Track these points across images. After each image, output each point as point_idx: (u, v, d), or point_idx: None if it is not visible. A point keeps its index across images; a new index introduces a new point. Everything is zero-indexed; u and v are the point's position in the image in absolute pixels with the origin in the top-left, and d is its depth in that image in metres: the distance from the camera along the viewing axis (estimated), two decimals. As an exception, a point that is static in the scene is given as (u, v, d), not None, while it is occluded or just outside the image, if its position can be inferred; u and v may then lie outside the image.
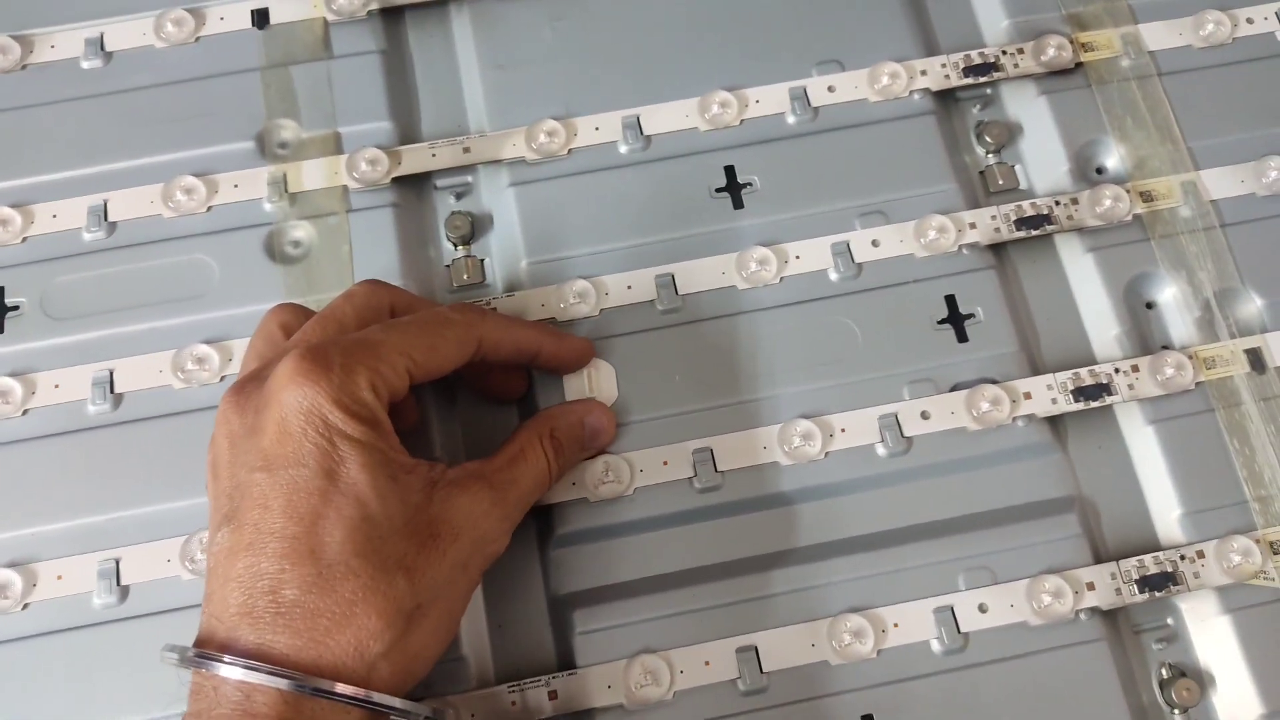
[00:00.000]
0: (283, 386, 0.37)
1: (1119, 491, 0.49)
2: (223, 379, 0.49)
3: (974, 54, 0.54)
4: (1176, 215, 0.52)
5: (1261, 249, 0.51)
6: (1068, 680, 0.45)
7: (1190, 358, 0.49)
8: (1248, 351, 0.50)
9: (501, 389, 0.49)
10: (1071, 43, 0.54)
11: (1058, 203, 0.51)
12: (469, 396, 0.50)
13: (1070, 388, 0.48)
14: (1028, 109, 0.55)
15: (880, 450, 0.47)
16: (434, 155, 0.53)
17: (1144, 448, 0.49)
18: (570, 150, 0.53)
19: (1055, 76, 0.54)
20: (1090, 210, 0.51)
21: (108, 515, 0.47)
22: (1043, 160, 0.54)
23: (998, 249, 0.52)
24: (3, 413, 0.48)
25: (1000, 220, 0.51)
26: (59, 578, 0.46)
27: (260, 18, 0.55)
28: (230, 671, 0.35)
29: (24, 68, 0.54)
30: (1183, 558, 0.46)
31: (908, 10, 0.56)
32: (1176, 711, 0.46)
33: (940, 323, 0.50)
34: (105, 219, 0.51)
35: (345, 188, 0.52)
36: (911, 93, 0.54)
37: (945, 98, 0.55)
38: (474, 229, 0.52)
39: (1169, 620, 0.47)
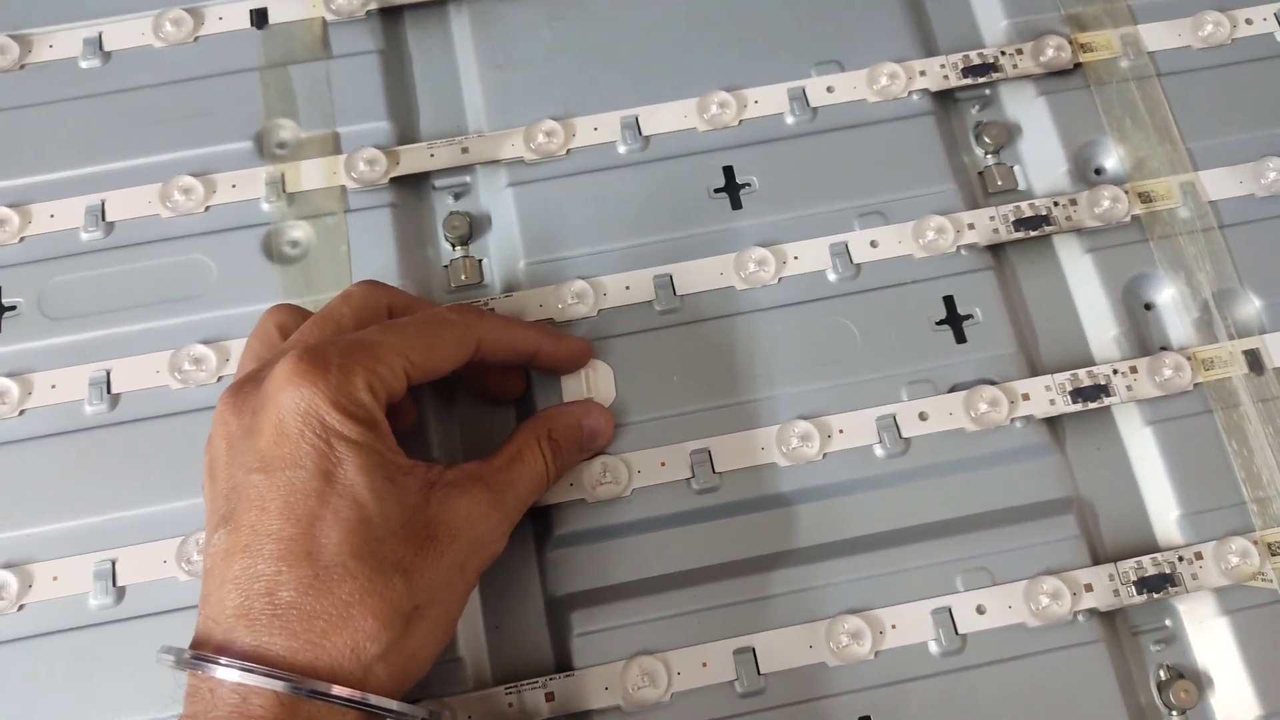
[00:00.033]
0: (280, 388, 0.37)
1: (1117, 493, 0.49)
2: (220, 379, 0.48)
3: (973, 54, 0.54)
4: (1175, 216, 0.52)
5: (1260, 250, 0.51)
6: (1066, 682, 0.45)
7: (1189, 359, 0.49)
8: (1246, 353, 0.49)
9: (500, 390, 0.49)
10: (1070, 43, 0.54)
11: (1056, 203, 0.51)
12: (467, 397, 0.50)
13: (1068, 389, 0.48)
14: (1027, 110, 0.55)
15: (878, 451, 0.47)
16: (432, 155, 0.53)
17: (1142, 449, 0.49)
18: (569, 150, 0.52)
19: (1054, 77, 0.54)
20: (1089, 211, 0.51)
21: (104, 516, 0.47)
22: (1041, 161, 0.54)
23: (996, 250, 0.52)
24: None
25: (999, 221, 0.51)
26: (55, 579, 0.46)
27: (259, 17, 0.55)
28: (226, 673, 0.35)
29: (22, 67, 0.54)
30: (1181, 559, 0.46)
31: (907, 11, 0.56)
32: (1174, 713, 0.45)
33: (939, 323, 0.50)
34: (103, 219, 0.51)
35: (343, 188, 0.52)
36: (910, 93, 0.54)
37: (944, 98, 0.55)
38: (472, 229, 0.52)
39: (1167, 622, 0.47)
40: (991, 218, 0.51)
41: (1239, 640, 0.45)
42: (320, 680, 0.35)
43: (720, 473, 0.47)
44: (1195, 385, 0.49)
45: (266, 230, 0.51)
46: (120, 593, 0.46)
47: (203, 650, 0.36)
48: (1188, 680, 0.45)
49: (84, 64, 0.54)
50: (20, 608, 0.45)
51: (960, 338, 0.49)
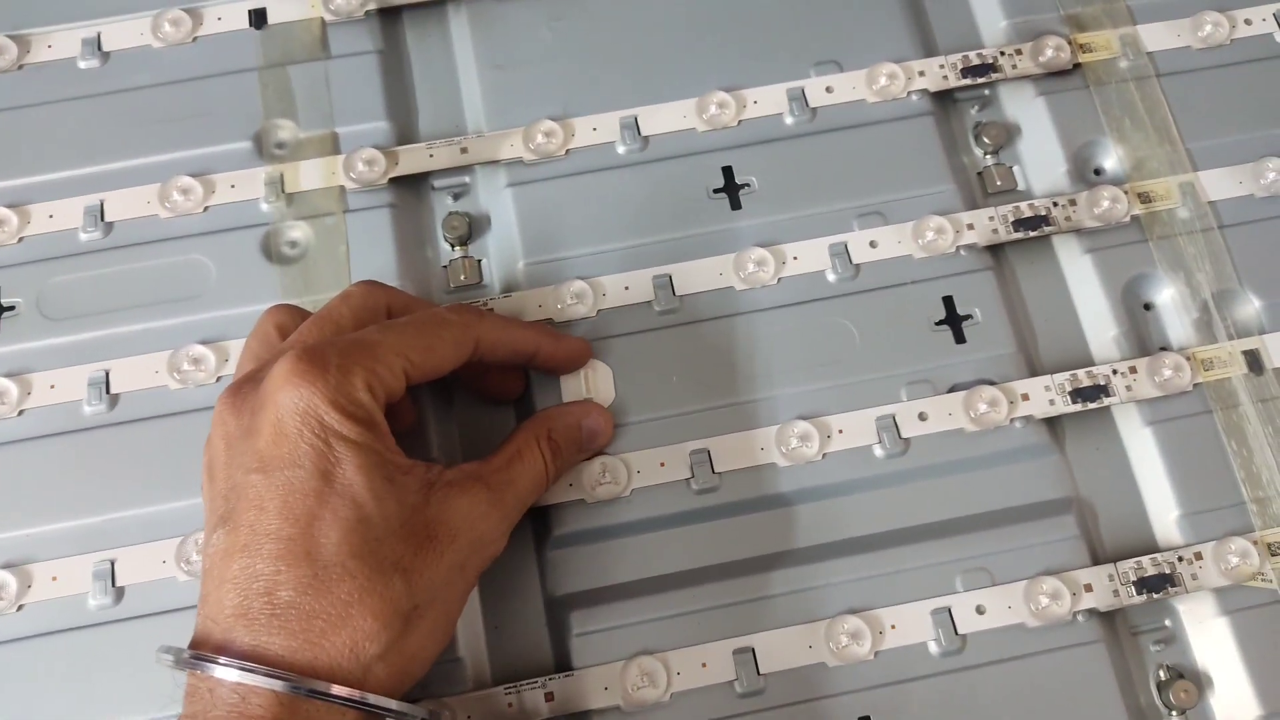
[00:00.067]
0: (278, 387, 0.37)
1: (1117, 493, 0.49)
2: (219, 379, 0.48)
3: (972, 55, 0.54)
4: (1175, 216, 0.52)
5: (1259, 250, 0.51)
6: (1065, 682, 0.45)
7: (1188, 359, 0.49)
8: (1246, 353, 0.49)
9: (499, 390, 0.49)
10: (1070, 44, 0.54)
11: (1056, 204, 0.51)
12: (466, 397, 0.50)
13: (1068, 389, 0.48)
14: (1026, 110, 0.55)
15: (878, 451, 0.47)
16: (431, 156, 0.53)
17: (1142, 449, 0.49)
18: (568, 151, 0.52)
19: (1053, 77, 0.54)
20: (1088, 211, 0.51)
21: (103, 516, 0.47)
22: (1041, 161, 0.54)
23: (996, 250, 0.52)
24: (-1, 413, 0.48)
25: (998, 221, 0.51)
26: (54, 579, 0.46)
27: (258, 18, 0.55)
28: (225, 673, 0.34)
29: (21, 67, 0.54)
30: (1180, 559, 0.46)
31: (906, 11, 0.56)
32: (1174, 713, 0.45)
33: (938, 324, 0.50)
34: (102, 219, 0.51)
35: (342, 188, 0.52)
36: (910, 93, 0.54)
37: (943, 98, 0.55)
38: (471, 229, 0.52)
39: (1167, 622, 0.47)
40: (991, 218, 0.51)
41: (1239, 640, 0.45)
42: (319, 680, 0.35)
43: (720, 473, 0.47)
44: (1195, 385, 0.49)
45: (265, 230, 0.51)
46: (119, 593, 0.46)
47: (202, 650, 0.36)
48: (1187, 680, 0.45)
49: (83, 64, 0.54)
50: (19, 608, 0.45)
51: (960, 338, 0.49)
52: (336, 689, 0.35)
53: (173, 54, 0.55)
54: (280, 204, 0.51)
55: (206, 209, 0.51)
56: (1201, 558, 0.46)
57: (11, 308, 0.50)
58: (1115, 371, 0.49)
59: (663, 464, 0.47)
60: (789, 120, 0.53)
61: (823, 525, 0.47)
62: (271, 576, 0.36)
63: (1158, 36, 0.55)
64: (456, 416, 0.50)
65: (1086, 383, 0.48)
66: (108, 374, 0.49)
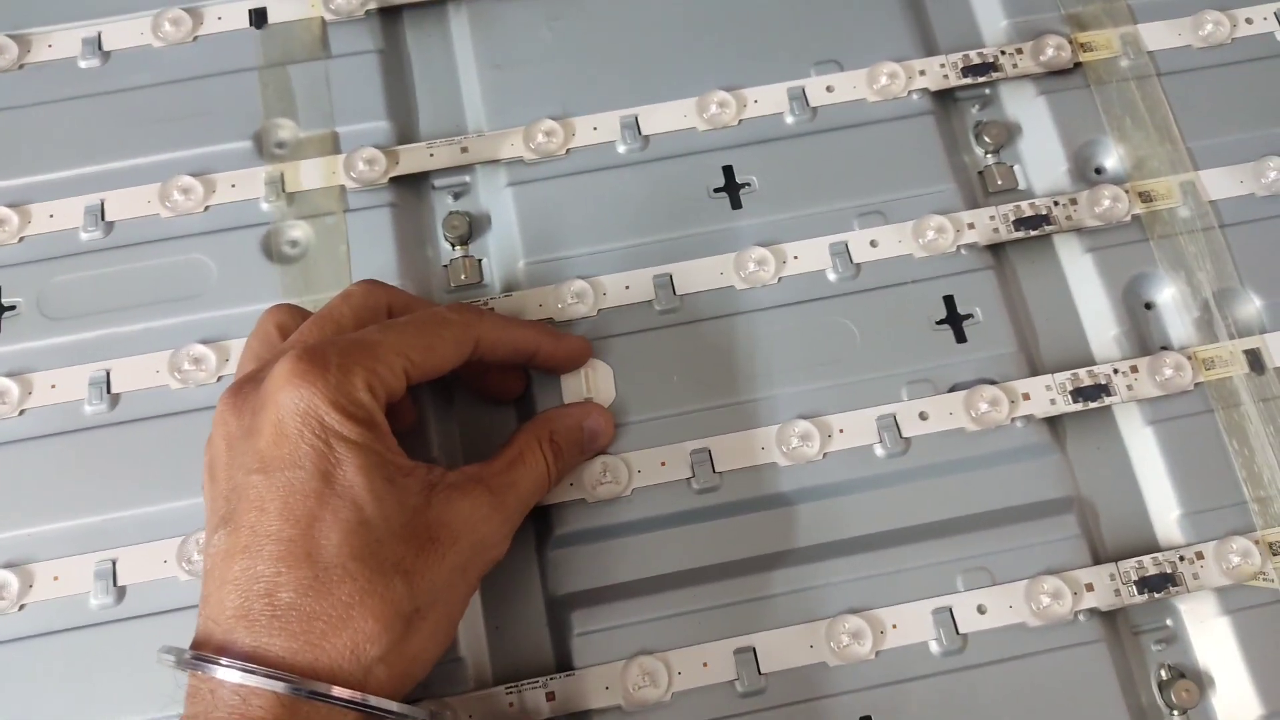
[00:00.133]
0: (279, 388, 0.37)
1: (1118, 492, 0.49)
2: (220, 379, 0.48)
3: (973, 54, 0.54)
4: (1175, 216, 0.52)
5: (1260, 249, 0.51)
6: (1066, 682, 0.45)
7: (1189, 358, 0.49)
8: (1247, 352, 0.49)
9: (499, 389, 0.49)
10: (1070, 43, 0.54)
11: (1056, 203, 0.51)
12: (467, 397, 0.50)
13: (1069, 388, 0.48)
14: (1026, 109, 0.55)
15: (879, 451, 0.47)
16: (432, 155, 0.53)
17: (1143, 448, 0.49)
18: (568, 150, 0.52)
19: (1054, 76, 0.54)
20: (1089, 210, 0.51)
21: (105, 516, 0.47)
22: (1041, 160, 0.54)
23: (996, 249, 0.52)
24: (0, 413, 0.48)
25: (999, 220, 0.51)
26: (56, 578, 0.46)
27: (258, 17, 0.55)
28: (227, 674, 0.34)
29: (21, 67, 0.54)
30: (1182, 559, 0.46)
31: (906, 10, 0.56)
32: (1176, 713, 0.45)
33: (939, 323, 0.50)
34: (102, 219, 0.51)
35: (343, 187, 0.52)
36: (910, 93, 0.54)
37: (944, 98, 0.55)
38: (472, 229, 0.52)
39: (1168, 621, 0.47)
40: (991, 217, 0.51)
41: (1240, 640, 0.45)
42: (320, 681, 0.35)
43: (720, 472, 0.47)
44: (1196, 385, 0.49)
45: (266, 230, 0.51)
46: (121, 592, 0.46)
47: (203, 651, 0.36)
48: (1189, 680, 0.45)
49: (83, 64, 0.54)
50: (21, 607, 0.45)
51: (960, 337, 0.49)
52: (337, 690, 0.35)
53: (173, 53, 0.55)
54: (281, 203, 0.51)
55: (207, 208, 0.51)
56: (1203, 557, 0.46)
57: (12, 307, 0.50)
58: (1116, 371, 0.49)
59: (663, 463, 0.47)
60: (789, 119, 0.53)
61: (823, 525, 0.47)
62: (272, 578, 0.36)
63: (1158, 35, 0.55)
64: (457, 416, 0.49)
65: (1087, 382, 0.48)
66: (108, 374, 0.49)
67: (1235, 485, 0.48)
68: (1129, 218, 0.51)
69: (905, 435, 0.47)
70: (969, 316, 0.50)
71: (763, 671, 0.45)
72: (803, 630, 0.45)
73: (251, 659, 0.35)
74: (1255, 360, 0.49)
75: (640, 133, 0.53)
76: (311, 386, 0.37)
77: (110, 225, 0.51)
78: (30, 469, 0.47)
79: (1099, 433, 0.49)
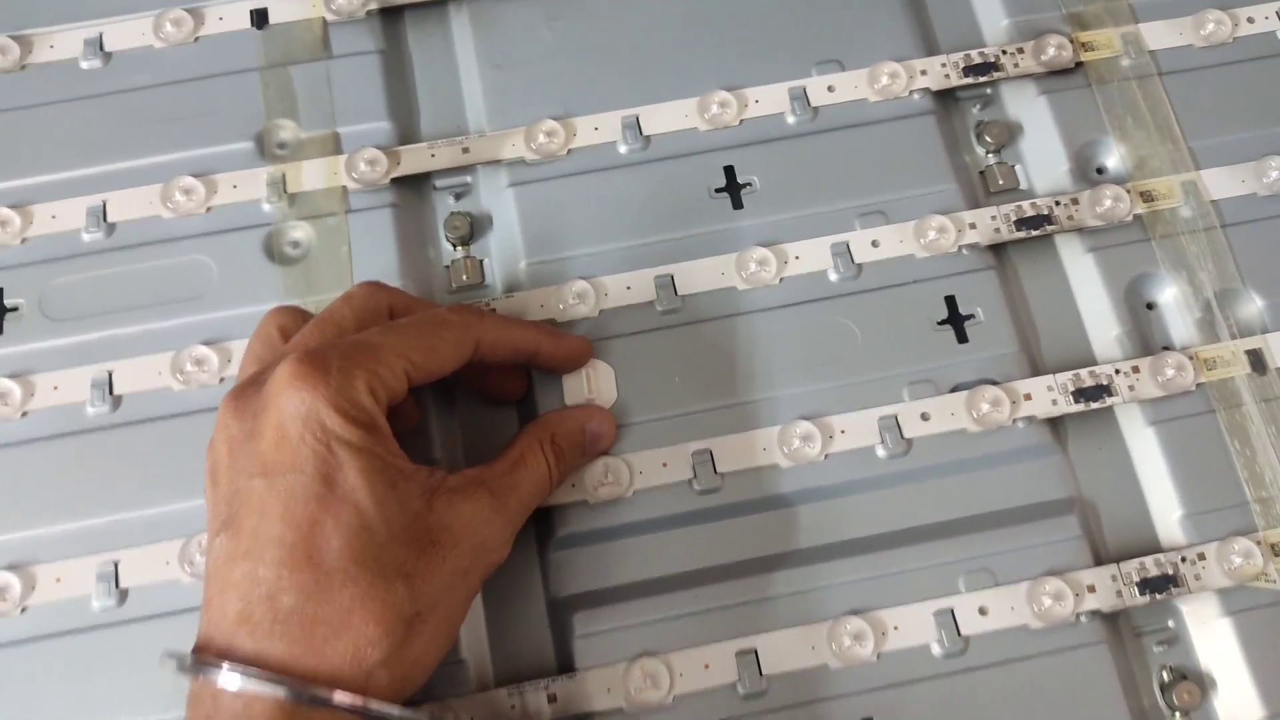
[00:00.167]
0: (280, 391, 0.37)
1: (1119, 493, 0.49)
2: (222, 381, 0.48)
3: (974, 54, 0.54)
4: (1177, 215, 0.52)
5: (1262, 249, 0.51)
6: (1068, 683, 0.45)
7: (1191, 359, 0.49)
8: (1249, 352, 0.49)
9: (500, 390, 0.49)
10: (1072, 42, 0.54)
11: (1058, 203, 0.51)
12: (468, 398, 0.50)
13: (1070, 389, 0.48)
14: (1028, 109, 0.54)
15: (880, 452, 0.47)
16: (433, 156, 0.53)
17: (1145, 449, 0.49)
18: (569, 150, 0.52)
19: (1055, 76, 0.54)
20: (1090, 210, 0.51)
21: (107, 517, 0.47)
22: (1043, 160, 0.54)
23: (998, 249, 0.52)
24: (1, 414, 0.48)
25: (1000, 220, 0.51)
26: (58, 580, 0.46)
27: (259, 18, 0.55)
28: (228, 679, 0.34)
29: (23, 68, 0.54)
30: (1184, 560, 0.46)
31: (907, 10, 0.56)
32: (1178, 714, 0.45)
33: (940, 323, 0.49)
34: (104, 220, 0.51)
35: (344, 188, 0.52)
36: (911, 92, 0.53)
37: (945, 97, 0.55)
38: (473, 229, 0.52)
39: (1170, 623, 0.47)
40: (993, 217, 0.51)
41: (1242, 641, 0.45)
42: (321, 686, 0.35)
43: (722, 473, 0.47)
44: (1198, 385, 0.49)
45: (268, 231, 0.51)
46: (123, 595, 0.46)
47: (204, 655, 0.36)
48: (1191, 682, 0.45)
49: (85, 64, 0.54)
50: (23, 610, 0.45)
51: (962, 337, 0.49)
52: (338, 696, 0.35)
53: (174, 54, 0.55)
54: (282, 204, 0.51)
55: (209, 209, 0.51)
56: (1205, 558, 0.46)
57: (14, 308, 0.50)
58: (1118, 371, 0.49)
59: (665, 465, 0.47)
60: (791, 119, 0.53)
61: (825, 526, 0.47)
62: (274, 582, 0.36)
63: (1160, 35, 0.55)
64: (459, 417, 0.49)
65: (1089, 382, 0.48)
66: (111, 375, 0.49)
67: (1237, 486, 0.48)
68: (1130, 217, 0.51)
69: (907, 436, 0.47)
70: (970, 317, 0.50)
71: (764, 673, 0.45)
72: (804, 632, 0.45)
73: (253, 664, 0.35)
74: (1257, 360, 0.49)
75: (641, 133, 0.53)
76: (313, 390, 0.37)
77: (112, 226, 0.51)
78: (32, 471, 0.47)
79: (1101, 433, 0.49)
